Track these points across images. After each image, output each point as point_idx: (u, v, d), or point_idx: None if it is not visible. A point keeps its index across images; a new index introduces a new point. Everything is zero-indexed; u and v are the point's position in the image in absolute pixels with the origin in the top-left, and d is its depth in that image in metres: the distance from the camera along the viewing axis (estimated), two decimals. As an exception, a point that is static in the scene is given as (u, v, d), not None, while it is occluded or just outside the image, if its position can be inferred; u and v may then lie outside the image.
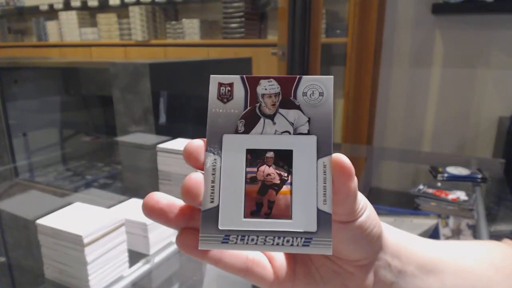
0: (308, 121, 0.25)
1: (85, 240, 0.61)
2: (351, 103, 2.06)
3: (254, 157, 0.25)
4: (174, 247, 0.78)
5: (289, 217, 0.24)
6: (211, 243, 0.24)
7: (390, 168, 1.90)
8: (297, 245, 0.24)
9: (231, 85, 0.26)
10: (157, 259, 0.74)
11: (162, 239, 0.77)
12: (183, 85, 1.24)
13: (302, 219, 0.24)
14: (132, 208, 0.79)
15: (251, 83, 0.26)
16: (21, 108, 1.56)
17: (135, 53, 3.28)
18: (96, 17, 3.53)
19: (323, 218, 0.24)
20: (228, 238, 0.24)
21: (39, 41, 3.99)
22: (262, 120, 0.25)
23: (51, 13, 3.81)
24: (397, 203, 1.26)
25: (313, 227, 0.24)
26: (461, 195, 1.06)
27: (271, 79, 0.26)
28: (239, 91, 0.26)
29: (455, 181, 1.19)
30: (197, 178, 0.24)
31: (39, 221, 0.64)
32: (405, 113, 2.31)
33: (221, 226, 0.24)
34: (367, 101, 2.07)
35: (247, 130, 0.25)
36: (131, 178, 1.16)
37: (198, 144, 0.25)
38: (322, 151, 0.25)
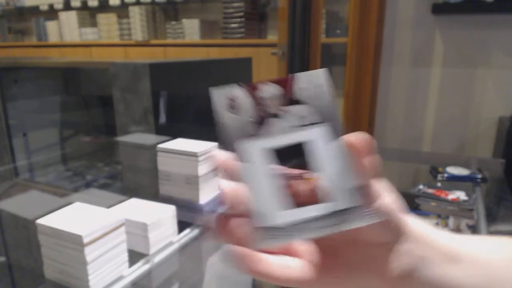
0: (313, 111, 0.27)
1: (85, 240, 0.61)
2: (351, 103, 2.06)
3: (276, 155, 0.27)
4: (174, 247, 0.78)
5: (329, 200, 0.26)
6: (269, 241, 0.25)
7: (390, 168, 1.90)
8: (347, 221, 0.25)
9: (234, 94, 0.27)
10: (157, 259, 0.74)
11: (162, 239, 0.77)
12: (183, 85, 1.24)
13: (341, 197, 0.26)
14: (132, 208, 0.79)
15: (252, 90, 0.27)
16: (21, 108, 1.56)
17: (135, 53, 3.28)
18: (96, 17, 3.53)
19: (359, 191, 0.26)
20: (282, 232, 0.25)
21: (39, 41, 3.99)
22: (272, 120, 0.27)
23: (51, 13, 3.81)
24: (397, 203, 1.25)
25: (354, 202, 0.26)
26: (461, 195, 1.06)
27: (269, 82, 0.27)
28: (243, 99, 0.27)
29: (455, 181, 1.19)
30: (233, 186, 0.26)
31: (39, 221, 0.64)
32: (405, 113, 2.31)
33: (270, 223, 0.26)
34: (367, 101, 2.07)
35: (261, 133, 0.27)
36: (131, 178, 1.16)
37: (225, 155, 0.27)
38: (334, 134, 0.27)
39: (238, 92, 0.27)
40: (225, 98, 0.27)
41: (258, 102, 0.27)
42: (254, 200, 0.26)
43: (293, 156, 0.27)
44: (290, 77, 0.27)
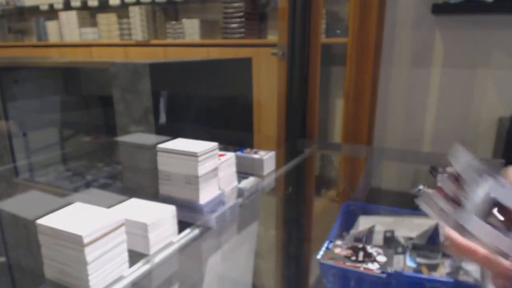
0: (478, 174, 0.44)
1: (85, 240, 0.61)
2: (351, 103, 2.06)
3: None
4: (174, 247, 0.78)
5: None
6: None
7: (390, 168, 1.90)
8: None
9: (437, 200, 0.45)
10: (157, 259, 0.74)
11: (162, 239, 0.77)
12: (183, 85, 1.24)
13: None
14: (132, 208, 0.79)
15: (442, 191, 0.45)
16: (21, 108, 1.56)
17: (135, 53, 3.28)
18: (96, 17, 3.54)
19: None
20: None
21: (39, 41, 3.99)
22: (461, 197, 0.43)
23: (51, 13, 3.81)
24: (397, 203, 1.26)
25: None
26: (461, 195, 1.05)
27: (443, 176, 0.43)
28: (443, 199, 0.45)
29: (455, 181, 1.18)
30: (484, 252, 0.40)
31: (39, 221, 0.64)
32: (405, 113, 2.31)
33: None
34: (367, 101, 2.07)
35: (462, 208, 0.42)
36: (131, 178, 1.16)
37: (454, 233, 0.42)
38: (499, 178, 0.44)
39: (436, 197, 0.45)
40: (434, 202, 0.45)
41: (448, 195, 0.44)
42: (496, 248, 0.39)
43: (491, 206, 0.41)
44: (448, 165, 0.44)
